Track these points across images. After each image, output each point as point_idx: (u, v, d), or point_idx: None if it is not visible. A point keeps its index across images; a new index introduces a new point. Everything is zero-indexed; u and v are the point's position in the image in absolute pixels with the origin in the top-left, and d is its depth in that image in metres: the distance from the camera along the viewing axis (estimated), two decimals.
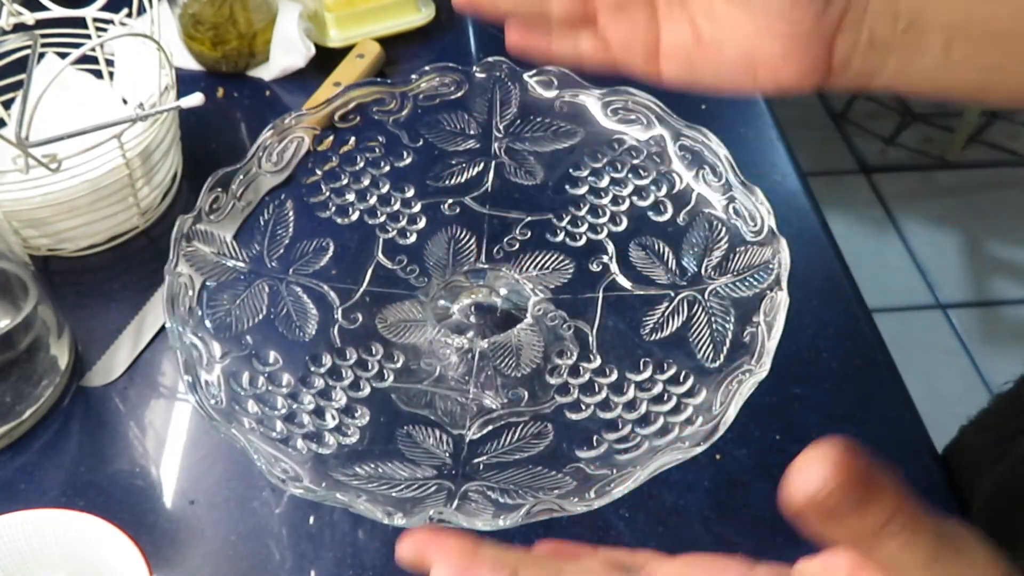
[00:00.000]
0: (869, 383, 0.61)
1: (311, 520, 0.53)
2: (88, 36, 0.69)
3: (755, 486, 0.56)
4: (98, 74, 0.74)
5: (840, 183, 2.05)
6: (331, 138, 0.54)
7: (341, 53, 0.83)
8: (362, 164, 0.56)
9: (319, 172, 0.55)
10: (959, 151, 2.08)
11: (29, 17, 0.67)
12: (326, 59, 0.82)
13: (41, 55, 0.69)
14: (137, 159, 0.64)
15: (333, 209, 0.55)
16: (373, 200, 0.57)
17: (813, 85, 0.38)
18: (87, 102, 0.73)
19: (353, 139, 0.55)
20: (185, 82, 0.80)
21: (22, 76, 0.58)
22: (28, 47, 0.58)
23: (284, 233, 0.54)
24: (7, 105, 0.73)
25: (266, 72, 0.83)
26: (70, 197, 0.62)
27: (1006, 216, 1.97)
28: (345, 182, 0.56)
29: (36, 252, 0.66)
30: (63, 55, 0.72)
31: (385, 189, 0.57)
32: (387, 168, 0.56)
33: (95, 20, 0.69)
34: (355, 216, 0.56)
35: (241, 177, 0.51)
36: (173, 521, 0.54)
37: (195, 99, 0.60)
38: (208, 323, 0.48)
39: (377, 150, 0.56)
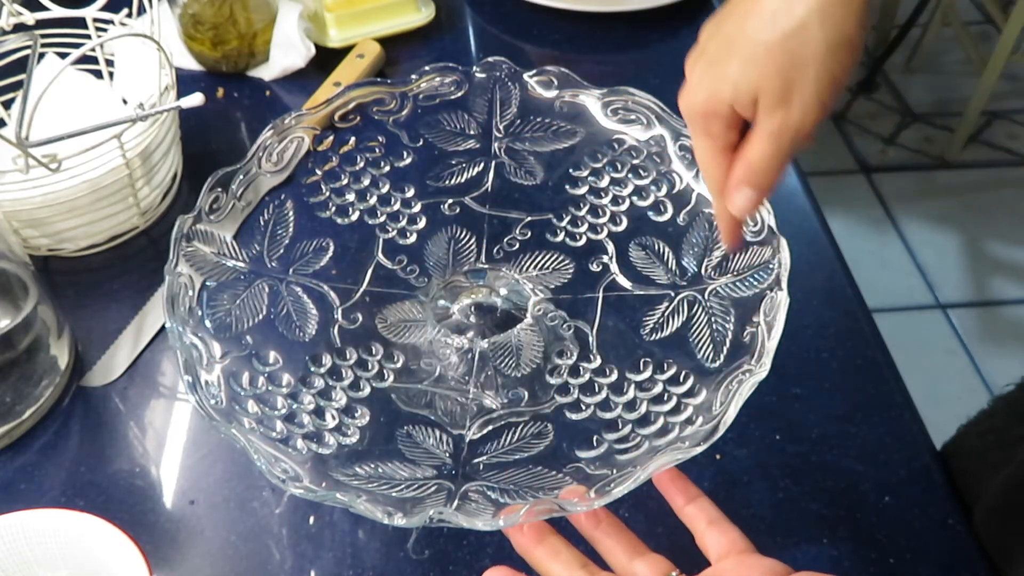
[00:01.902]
0: (869, 383, 0.61)
1: (311, 520, 0.53)
2: (88, 36, 0.69)
3: (755, 486, 0.56)
4: (98, 74, 0.74)
5: (840, 183, 2.05)
6: (331, 138, 0.54)
7: (341, 53, 0.83)
8: (362, 164, 0.56)
9: (319, 172, 0.55)
10: (959, 151, 2.08)
11: (29, 17, 0.67)
12: (326, 59, 0.82)
13: (41, 55, 0.69)
14: (137, 159, 0.64)
15: (333, 209, 0.55)
16: (373, 200, 0.57)
17: None
18: (87, 102, 0.73)
19: (353, 139, 0.55)
20: (185, 82, 0.80)
21: (22, 76, 0.58)
22: (28, 47, 0.58)
23: (284, 233, 0.54)
24: (7, 105, 0.73)
25: (266, 72, 0.83)
26: (70, 197, 0.62)
27: (1006, 216, 1.97)
28: (345, 182, 0.56)
29: (36, 252, 0.66)
30: (63, 55, 0.72)
31: (385, 189, 0.57)
32: (387, 168, 0.56)
33: (95, 20, 0.69)
34: (355, 216, 0.56)
35: (241, 177, 0.51)
36: (173, 521, 0.54)
37: (195, 99, 0.60)
38: (208, 323, 0.48)
39: (377, 150, 0.56)
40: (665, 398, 0.49)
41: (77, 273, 0.67)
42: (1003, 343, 1.77)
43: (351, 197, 0.56)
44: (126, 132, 0.61)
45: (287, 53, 0.81)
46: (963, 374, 1.67)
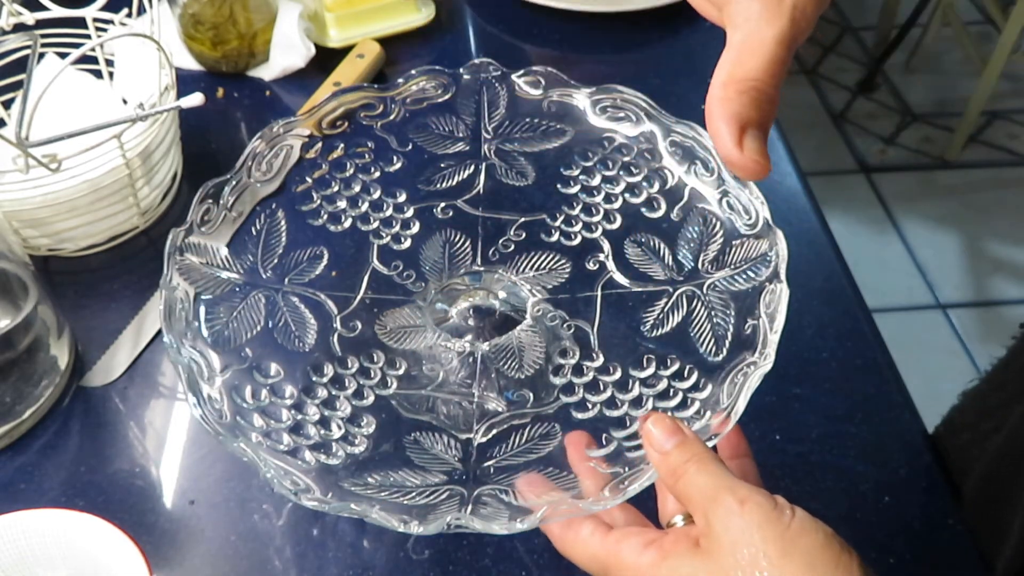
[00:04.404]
0: (869, 383, 0.61)
1: (312, 519, 0.53)
2: (88, 36, 0.69)
3: None
4: (98, 74, 0.74)
5: (840, 183, 2.05)
6: (320, 145, 0.54)
7: (341, 53, 0.83)
8: (352, 170, 0.56)
9: (309, 180, 0.54)
10: (958, 151, 2.08)
11: (29, 17, 0.67)
12: (326, 59, 0.82)
13: (41, 55, 0.69)
14: (137, 159, 0.64)
15: (325, 217, 0.55)
16: (365, 206, 0.56)
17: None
18: (87, 102, 0.73)
19: (342, 145, 0.55)
20: (185, 82, 0.80)
21: (22, 76, 0.58)
22: (28, 47, 0.58)
23: (277, 243, 0.53)
24: (7, 105, 0.73)
25: (266, 72, 0.83)
26: (70, 197, 0.62)
27: (1006, 216, 1.97)
28: (336, 189, 0.55)
29: (36, 252, 0.66)
30: (63, 55, 0.72)
31: (376, 195, 0.56)
32: (377, 173, 0.56)
33: (95, 20, 0.69)
34: (348, 223, 0.56)
35: (231, 187, 0.51)
36: (173, 521, 0.54)
37: (195, 99, 0.60)
38: (206, 336, 0.48)
39: (366, 155, 0.55)
40: (671, 394, 0.49)
41: (77, 273, 0.67)
42: (1003, 343, 1.76)
43: (342, 204, 0.56)
44: (126, 132, 0.61)
45: (287, 53, 0.81)
46: (963, 374, 1.67)
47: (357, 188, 0.56)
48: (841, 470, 0.57)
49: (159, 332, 0.62)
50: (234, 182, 0.51)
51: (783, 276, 0.45)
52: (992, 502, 0.56)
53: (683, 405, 0.48)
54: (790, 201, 0.74)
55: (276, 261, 0.53)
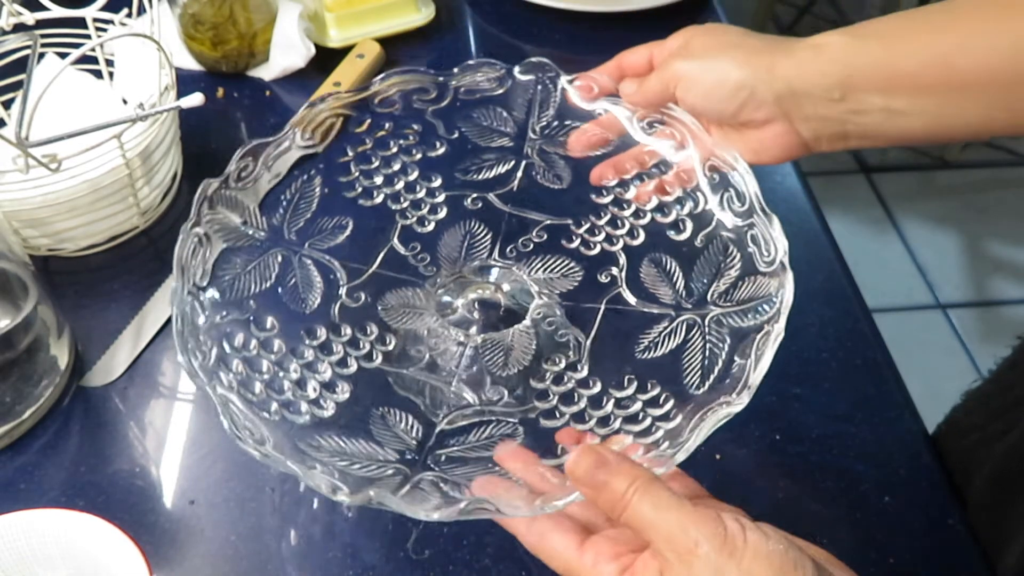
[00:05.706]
0: (869, 383, 0.61)
1: (312, 520, 0.53)
2: (88, 36, 0.69)
3: (755, 486, 0.56)
4: (98, 74, 0.74)
5: (840, 183, 2.05)
6: (368, 121, 0.55)
7: (341, 53, 0.83)
8: (395, 150, 0.57)
9: (351, 153, 0.55)
10: (959, 151, 2.08)
11: (29, 17, 0.67)
12: (326, 59, 0.82)
13: (41, 55, 0.69)
14: (137, 159, 0.64)
15: (359, 190, 0.56)
16: (399, 186, 0.57)
17: (802, 154, 0.51)
18: (87, 102, 0.73)
19: (390, 124, 0.56)
20: (185, 82, 0.80)
21: (22, 76, 0.58)
22: (28, 47, 0.58)
23: (307, 207, 0.54)
24: (7, 105, 0.73)
25: (266, 72, 0.83)
26: (70, 197, 0.62)
27: (1006, 216, 1.97)
28: (375, 165, 0.56)
29: (36, 252, 0.66)
30: (63, 55, 0.72)
31: (413, 176, 0.57)
32: (419, 156, 0.57)
33: (95, 20, 0.69)
34: (379, 199, 0.57)
35: (274, 150, 0.52)
36: (173, 521, 0.54)
37: (195, 99, 0.60)
38: (214, 284, 0.49)
39: (411, 137, 0.56)
40: (640, 418, 0.48)
41: (77, 273, 0.67)
42: (1003, 343, 1.76)
43: (379, 180, 0.57)
44: (126, 132, 0.61)
45: (287, 53, 0.81)
46: (963, 374, 1.67)
47: (396, 167, 0.57)
48: (841, 470, 0.57)
49: (159, 332, 0.62)
50: (276, 144, 0.51)
51: (783, 321, 0.45)
52: (999, 504, 0.56)
53: (647, 431, 0.47)
54: (790, 201, 0.74)
55: (302, 224, 0.54)
